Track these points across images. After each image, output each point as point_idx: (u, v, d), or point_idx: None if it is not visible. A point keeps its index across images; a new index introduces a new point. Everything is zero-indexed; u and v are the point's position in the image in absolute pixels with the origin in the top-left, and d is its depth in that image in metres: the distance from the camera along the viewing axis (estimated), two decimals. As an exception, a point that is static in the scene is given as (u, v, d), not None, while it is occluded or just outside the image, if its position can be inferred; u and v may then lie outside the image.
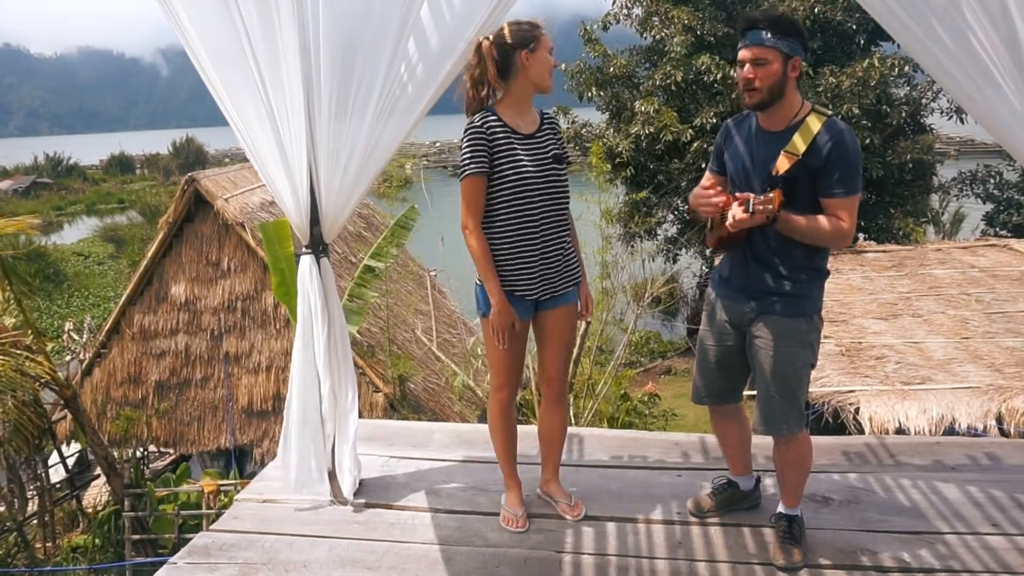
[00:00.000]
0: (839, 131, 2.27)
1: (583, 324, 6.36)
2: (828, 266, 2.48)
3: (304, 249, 2.79)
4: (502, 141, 2.53)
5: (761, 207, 2.20)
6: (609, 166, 11.12)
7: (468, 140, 2.53)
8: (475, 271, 2.63)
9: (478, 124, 2.52)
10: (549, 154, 2.61)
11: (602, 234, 7.99)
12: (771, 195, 2.20)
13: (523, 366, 2.79)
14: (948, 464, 3.13)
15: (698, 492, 2.88)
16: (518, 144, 2.55)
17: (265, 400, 8.86)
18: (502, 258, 2.58)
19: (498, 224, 2.57)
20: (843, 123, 2.33)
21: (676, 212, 14.11)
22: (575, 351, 7.19)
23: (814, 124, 2.28)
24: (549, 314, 2.69)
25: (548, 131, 2.66)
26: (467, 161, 2.52)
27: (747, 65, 2.28)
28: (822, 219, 2.29)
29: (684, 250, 14.35)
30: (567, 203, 2.68)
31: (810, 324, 2.42)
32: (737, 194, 2.31)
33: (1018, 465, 3.10)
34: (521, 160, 2.54)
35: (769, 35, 2.23)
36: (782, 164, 2.28)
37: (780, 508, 2.59)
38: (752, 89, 2.29)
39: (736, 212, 2.25)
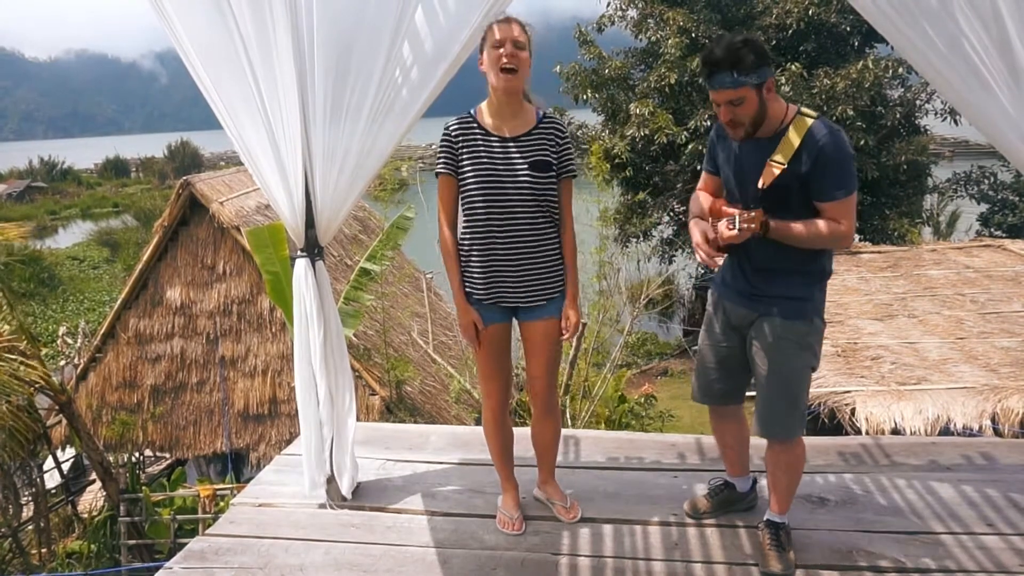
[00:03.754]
0: (824, 134, 2.22)
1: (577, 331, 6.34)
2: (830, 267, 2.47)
3: (299, 252, 2.79)
4: (472, 143, 2.54)
5: (745, 225, 2.22)
6: (608, 167, 11.15)
7: (440, 142, 2.60)
8: None
9: (448, 127, 2.59)
10: (529, 159, 2.53)
11: (600, 235, 8.01)
12: (753, 214, 2.22)
13: (510, 372, 2.76)
14: (944, 464, 3.14)
15: (694, 493, 2.89)
16: (489, 147, 2.53)
17: (261, 404, 8.83)
18: (464, 259, 2.61)
19: (463, 224, 2.60)
20: (829, 124, 2.27)
21: (671, 214, 14.14)
22: (572, 353, 7.20)
23: (799, 131, 2.25)
24: (529, 326, 2.66)
25: (540, 136, 2.57)
26: (437, 161, 2.61)
27: (723, 107, 2.24)
28: (819, 223, 2.26)
29: (680, 251, 14.37)
30: (549, 211, 2.58)
31: (810, 327, 2.40)
32: (724, 210, 2.33)
33: (1013, 465, 3.11)
34: (487, 163, 2.51)
35: (736, 74, 2.17)
36: (767, 176, 2.26)
37: (768, 515, 2.57)
38: (735, 126, 2.28)
39: (723, 230, 2.27)
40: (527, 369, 2.75)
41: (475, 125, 2.57)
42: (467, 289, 2.61)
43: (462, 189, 2.56)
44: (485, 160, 2.52)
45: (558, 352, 2.78)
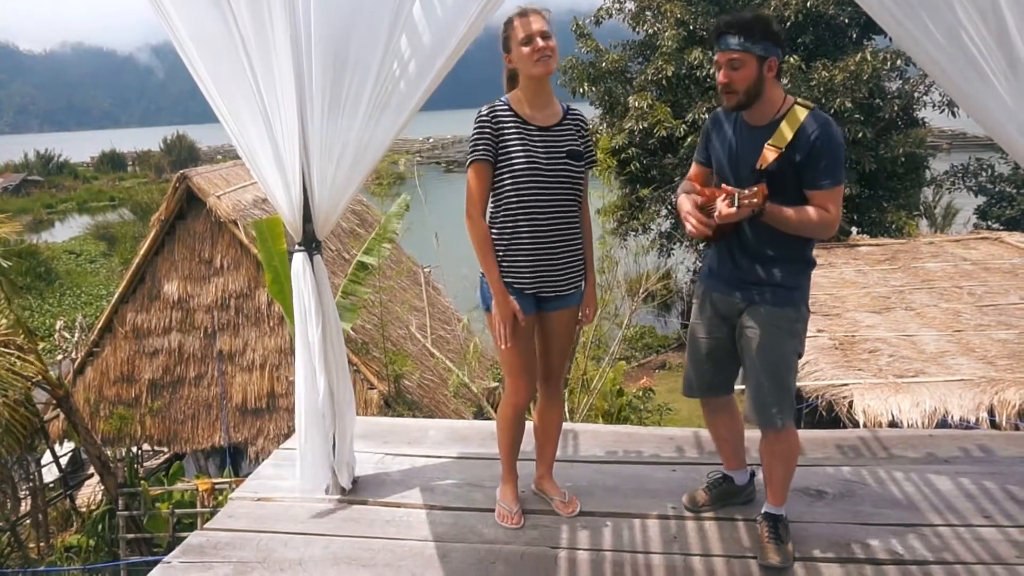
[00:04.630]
0: (822, 124, 2.32)
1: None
2: (819, 259, 2.51)
3: (297, 246, 2.79)
4: (510, 131, 2.52)
5: (747, 201, 2.23)
6: (615, 161, 11.13)
7: (475, 128, 2.55)
8: (477, 265, 2.61)
9: (485, 113, 2.54)
10: (564, 149, 2.56)
11: (604, 229, 8.00)
12: (755, 189, 2.24)
13: (536, 365, 2.72)
14: (941, 457, 3.15)
15: (693, 487, 2.89)
16: (528, 135, 2.53)
17: (259, 398, 8.84)
18: (502, 249, 2.57)
19: (501, 214, 2.56)
20: (824, 115, 2.37)
21: (669, 207, 14.12)
22: (571, 347, 7.20)
23: (797, 118, 2.33)
24: (553, 315, 2.67)
25: (570, 126, 2.61)
26: (471, 148, 2.54)
27: (723, 69, 2.34)
28: (809, 210, 2.33)
29: (678, 245, 14.38)
30: (579, 201, 2.63)
31: (798, 313, 2.47)
32: (723, 187, 2.33)
33: (1010, 457, 3.12)
34: (529, 151, 2.51)
35: (742, 39, 2.28)
36: (766, 158, 2.33)
37: (766, 507, 2.58)
38: (730, 92, 2.35)
39: (722, 207, 2.28)
40: (540, 357, 2.74)
41: (513, 112, 2.55)
42: (506, 280, 2.57)
43: (502, 177, 2.53)
44: (527, 148, 2.51)
45: (573, 341, 2.80)
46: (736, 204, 2.24)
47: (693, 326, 2.68)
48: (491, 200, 2.58)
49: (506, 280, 2.56)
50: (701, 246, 12.45)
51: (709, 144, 2.58)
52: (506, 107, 2.56)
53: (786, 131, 2.31)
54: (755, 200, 2.23)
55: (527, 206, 2.52)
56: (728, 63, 2.31)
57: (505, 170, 2.52)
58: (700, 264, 14.23)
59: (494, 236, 2.57)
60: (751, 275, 2.46)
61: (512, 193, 2.52)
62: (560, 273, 2.61)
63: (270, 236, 4.87)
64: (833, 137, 2.31)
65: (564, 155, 2.55)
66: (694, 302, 2.70)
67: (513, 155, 2.51)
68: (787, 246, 2.41)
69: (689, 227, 2.43)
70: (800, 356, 2.52)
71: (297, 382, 2.87)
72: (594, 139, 2.66)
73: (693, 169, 2.66)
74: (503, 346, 2.57)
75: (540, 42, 2.46)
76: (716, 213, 2.31)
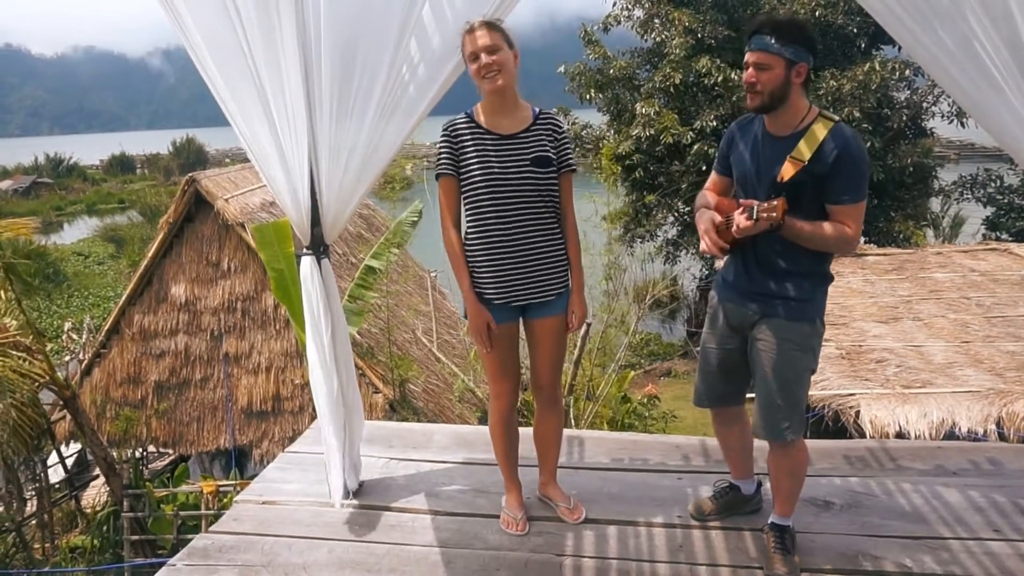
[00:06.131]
0: (845, 138, 2.25)
1: (582, 328, 6.32)
2: (831, 270, 2.48)
3: (305, 250, 2.79)
4: (470, 142, 2.53)
5: (765, 215, 2.19)
6: (619, 168, 11.12)
7: (439, 143, 2.59)
8: None
9: (447, 127, 2.58)
10: (529, 156, 2.53)
11: (609, 236, 8.00)
12: (775, 203, 2.19)
13: (518, 371, 2.74)
14: (949, 469, 3.12)
15: (699, 495, 2.88)
16: (487, 145, 2.52)
17: (265, 401, 8.84)
18: (472, 260, 2.59)
19: (469, 225, 2.59)
20: (850, 129, 2.30)
21: (676, 214, 14.11)
22: (577, 353, 7.19)
23: (820, 131, 2.26)
24: (535, 323, 2.66)
25: (538, 132, 2.56)
26: (436, 164, 2.60)
27: (750, 68, 2.29)
28: (827, 226, 2.27)
29: (684, 252, 14.36)
30: (553, 207, 2.58)
31: (812, 328, 2.41)
32: (741, 201, 2.31)
33: (1020, 470, 3.09)
34: (487, 161, 2.51)
35: (773, 41, 2.22)
36: (787, 171, 2.27)
37: (773, 517, 2.56)
38: (754, 92, 2.30)
39: (740, 220, 2.25)
40: (532, 366, 2.76)
41: (473, 124, 2.56)
42: (477, 290, 2.59)
43: (464, 189, 2.56)
44: (486, 158, 2.52)
45: (563, 348, 2.77)
46: (755, 217, 2.20)
47: (705, 336, 2.65)
48: (464, 211, 2.61)
49: (477, 290, 2.58)
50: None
51: (731, 153, 2.52)
52: (467, 119, 2.58)
53: (815, 140, 2.25)
54: (774, 214, 2.18)
55: (487, 216, 2.53)
56: (755, 63, 2.27)
57: (466, 182, 2.54)
58: (705, 272, 14.21)
59: (467, 246, 2.60)
60: (764, 287, 2.42)
61: (474, 204, 2.55)
62: (532, 281, 2.58)
63: (275, 240, 4.89)
64: (853, 154, 2.23)
65: (528, 163, 2.52)
66: (707, 312, 2.66)
67: (471, 167, 2.52)
68: (800, 260, 2.36)
69: (704, 245, 2.41)
70: (813, 371, 2.46)
71: (316, 388, 2.86)
72: (573, 142, 2.63)
73: (712, 179, 2.62)
74: (484, 351, 2.62)
75: (483, 58, 2.44)
76: (734, 226, 2.28)
